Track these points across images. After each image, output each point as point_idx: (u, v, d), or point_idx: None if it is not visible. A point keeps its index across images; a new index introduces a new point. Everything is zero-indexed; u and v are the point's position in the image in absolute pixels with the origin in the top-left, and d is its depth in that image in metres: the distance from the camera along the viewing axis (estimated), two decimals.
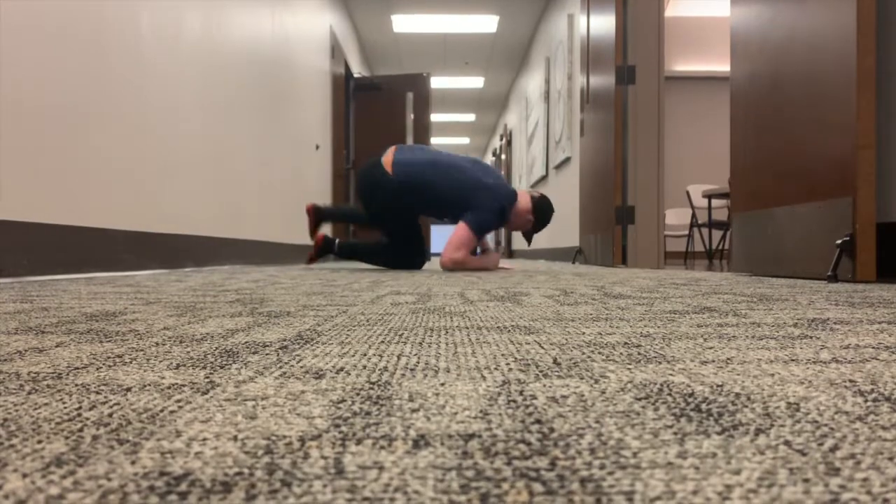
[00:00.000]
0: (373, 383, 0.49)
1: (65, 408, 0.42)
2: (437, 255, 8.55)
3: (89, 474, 0.30)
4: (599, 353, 0.64)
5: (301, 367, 0.56)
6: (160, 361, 0.59)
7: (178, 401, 0.44)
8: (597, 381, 0.50)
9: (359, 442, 0.35)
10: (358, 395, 0.46)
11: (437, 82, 11.92)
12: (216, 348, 0.67)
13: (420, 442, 0.35)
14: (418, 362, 0.59)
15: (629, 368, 0.55)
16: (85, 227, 2.61)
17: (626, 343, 0.71)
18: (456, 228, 3.51)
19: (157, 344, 0.70)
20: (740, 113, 3.00)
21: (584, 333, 0.79)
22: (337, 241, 3.80)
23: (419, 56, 10.66)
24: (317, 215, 3.92)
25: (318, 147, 6.80)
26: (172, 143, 3.36)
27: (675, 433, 0.36)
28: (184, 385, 0.49)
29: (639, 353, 0.63)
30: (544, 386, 0.48)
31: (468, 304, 1.22)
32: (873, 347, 0.68)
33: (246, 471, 0.30)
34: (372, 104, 8.66)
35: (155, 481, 0.29)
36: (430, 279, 2.37)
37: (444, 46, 10.11)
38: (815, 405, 0.43)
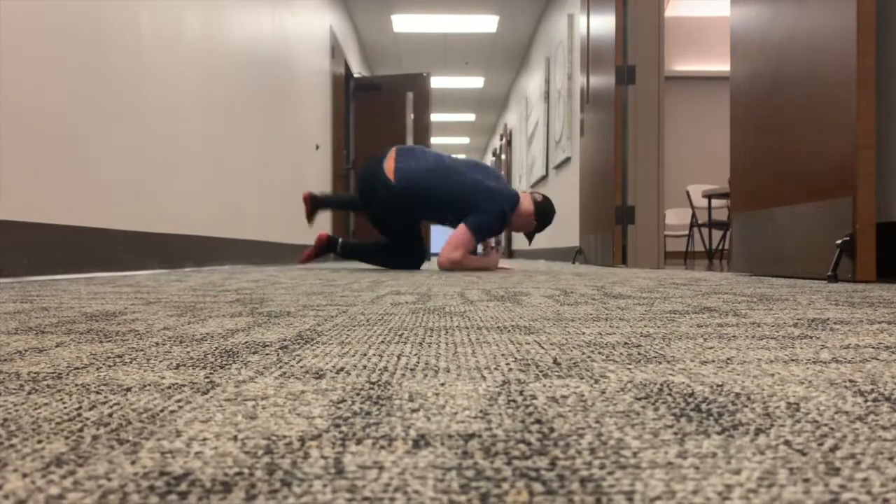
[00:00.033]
0: (373, 383, 0.49)
1: (65, 408, 0.42)
2: (437, 254, 8.55)
3: (89, 474, 0.30)
4: (599, 353, 0.64)
5: (301, 367, 0.56)
6: (160, 361, 0.59)
7: (178, 401, 0.44)
8: (597, 381, 0.50)
9: (359, 442, 0.35)
10: (358, 395, 0.46)
11: (437, 82, 11.92)
12: (216, 348, 0.67)
13: (420, 442, 0.35)
14: (418, 362, 0.59)
15: (629, 368, 0.55)
16: (85, 227, 2.61)
17: (626, 343, 0.71)
18: (456, 230, 3.51)
19: (157, 344, 0.70)
20: (740, 113, 3.00)
21: (584, 333, 0.79)
22: (340, 240, 3.79)
23: (419, 56, 10.66)
24: (313, 203, 3.91)
25: (318, 147, 6.80)
26: (172, 143, 3.36)
27: (675, 433, 0.36)
28: (184, 385, 0.49)
29: (639, 353, 0.63)
30: (544, 386, 0.48)
31: (468, 304, 1.22)
32: (873, 347, 0.68)
33: (246, 471, 0.30)
34: (372, 104, 8.66)
35: (155, 481, 0.29)
36: (429, 279, 2.37)
37: (444, 46, 10.11)
38: (815, 405, 0.43)
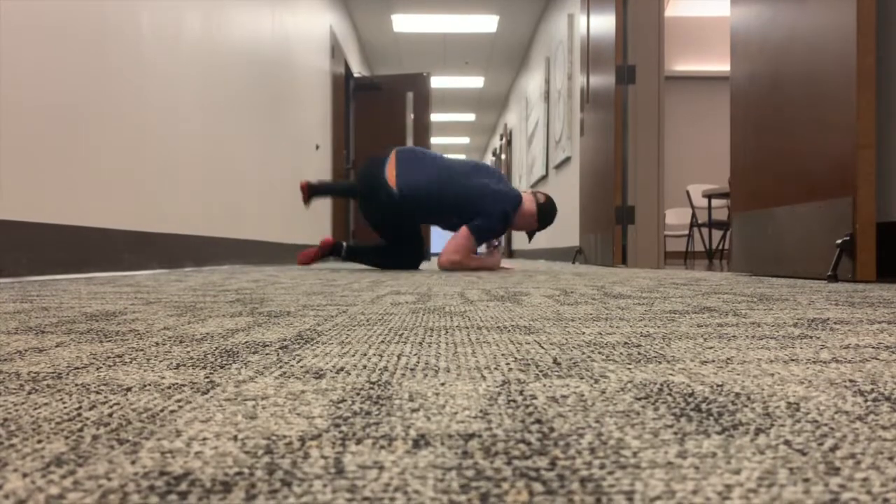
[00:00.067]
0: (373, 383, 0.49)
1: (65, 408, 0.42)
2: (437, 254, 8.55)
3: (89, 474, 0.30)
4: (599, 352, 0.64)
5: (301, 366, 0.56)
6: (160, 361, 0.59)
7: (179, 401, 0.44)
8: (597, 381, 0.50)
9: (359, 442, 0.35)
10: (358, 394, 0.46)
11: (437, 82, 11.92)
12: (216, 348, 0.67)
13: (420, 442, 0.35)
14: (418, 362, 0.59)
15: (629, 368, 0.55)
16: (85, 227, 2.61)
17: (626, 343, 0.71)
18: (458, 232, 3.51)
19: (157, 344, 0.70)
20: (740, 113, 3.00)
21: (584, 333, 0.79)
22: (344, 245, 3.76)
23: (419, 56, 10.66)
24: (310, 191, 3.88)
25: (318, 147, 6.80)
26: (172, 143, 3.36)
27: (675, 433, 0.36)
28: (184, 385, 0.49)
29: (639, 353, 0.63)
30: (544, 386, 0.48)
31: (468, 304, 1.22)
32: (873, 347, 0.68)
33: (246, 470, 0.30)
34: (372, 104, 8.66)
35: (155, 481, 0.29)
36: (429, 279, 2.37)
37: (444, 46, 10.11)
38: (815, 405, 0.43)
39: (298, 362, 0.58)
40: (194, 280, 2.19)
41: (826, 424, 0.38)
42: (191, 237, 3.57)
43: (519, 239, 12.08)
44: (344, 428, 0.37)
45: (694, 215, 6.25)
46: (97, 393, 0.46)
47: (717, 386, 0.48)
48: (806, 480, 0.29)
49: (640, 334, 0.78)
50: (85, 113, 2.61)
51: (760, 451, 0.33)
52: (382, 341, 0.72)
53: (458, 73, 11.57)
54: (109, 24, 2.78)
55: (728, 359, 0.60)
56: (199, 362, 0.59)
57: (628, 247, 4.80)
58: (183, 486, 0.28)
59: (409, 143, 8.52)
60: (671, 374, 0.53)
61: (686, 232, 7.09)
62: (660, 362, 0.58)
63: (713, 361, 0.59)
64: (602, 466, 0.31)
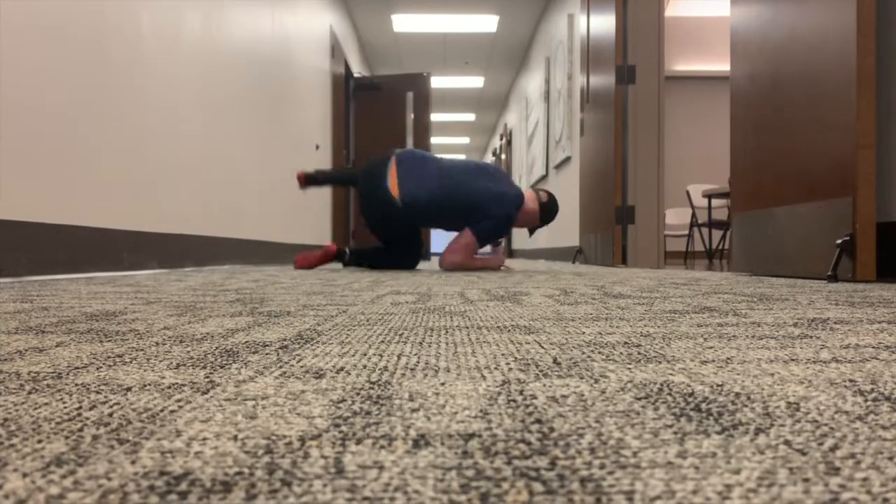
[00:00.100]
0: (373, 383, 0.49)
1: (65, 407, 0.42)
2: (437, 254, 8.54)
3: (89, 474, 0.30)
4: (599, 352, 0.64)
5: (301, 366, 0.56)
6: (160, 361, 0.59)
7: (179, 400, 0.44)
8: (597, 381, 0.50)
9: (359, 441, 0.35)
10: (358, 394, 0.46)
11: (437, 82, 11.92)
12: (216, 348, 0.67)
13: (420, 441, 0.35)
14: (418, 362, 0.59)
15: (629, 368, 0.55)
16: (85, 226, 2.61)
17: (626, 343, 0.71)
18: (461, 234, 3.51)
19: (157, 344, 0.70)
20: (740, 113, 3.00)
21: (584, 333, 0.79)
22: (347, 253, 3.73)
23: (419, 56, 10.66)
24: (307, 181, 3.85)
25: (318, 147, 6.80)
26: (172, 143, 3.36)
27: (675, 433, 0.36)
28: (184, 385, 0.49)
29: (639, 353, 0.63)
30: (544, 385, 0.48)
31: (468, 304, 1.22)
32: (873, 347, 0.68)
33: (246, 470, 0.30)
34: (372, 104, 8.66)
35: (155, 481, 0.29)
36: (429, 279, 2.37)
37: (444, 46, 10.11)
38: (815, 405, 0.43)
39: (298, 362, 0.58)
40: (194, 280, 2.19)
41: (826, 424, 0.38)
42: (191, 237, 3.57)
43: (519, 239, 12.08)
44: (344, 428, 0.37)
45: (694, 215, 6.25)
46: (97, 393, 0.46)
47: (717, 386, 0.48)
48: (806, 480, 0.29)
49: (640, 334, 0.78)
50: (85, 113, 2.61)
51: (760, 450, 0.33)
52: (382, 341, 0.72)
53: (458, 73, 11.57)
54: (109, 24, 2.78)
55: (728, 359, 0.60)
56: (199, 362, 0.59)
57: (628, 247, 4.80)
58: (183, 486, 0.28)
59: (409, 142, 8.52)
60: (671, 374, 0.53)
61: (686, 232, 7.09)
62: (660, 362, 0.58)
63: (713, 361, 0.59)
64: (602, 466, 0.31)
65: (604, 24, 5.13)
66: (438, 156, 3.70)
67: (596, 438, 0.35)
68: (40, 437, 0.35)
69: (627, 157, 4.81)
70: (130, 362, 0.59)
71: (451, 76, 11.73)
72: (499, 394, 0.46)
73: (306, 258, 3.60)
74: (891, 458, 0.32)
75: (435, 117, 14.74)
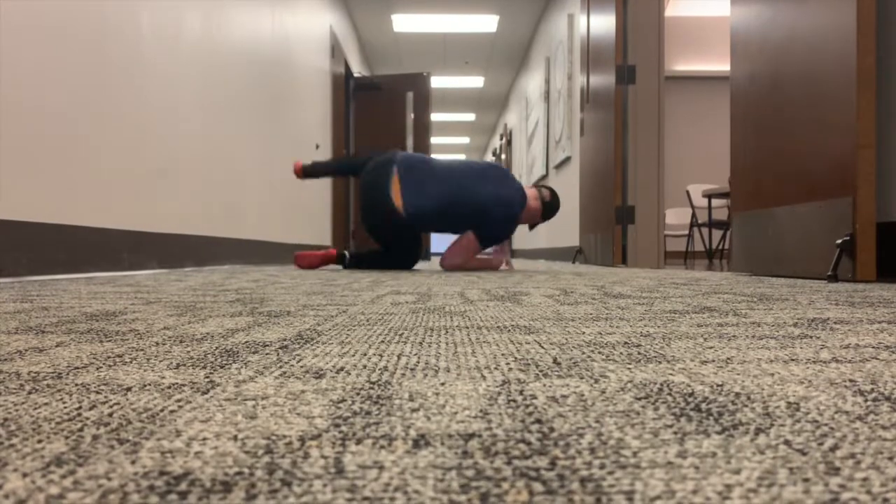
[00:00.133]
0: (373, 383, 0.49)
1: (65, 407, 0.42)
2: (438, 254, 8.54)
3: (89, 474, 0.30)
4: (599, 352, 0.64)
5: (301, 366, 0.56)
6: (160, 361, 0.59)
7: (178, 400, 0.44)
8: (597, 381, 0.50)
9: (359, 442, 0.35)
10: (358, 394, 0.46)
11: (437, 82, 11.91)
12: (216, 348, 0.67)
13: (420, 441, 0.35)
14: (418, 362, 0.59)
15: (629, 368, 0.55)
16: (85, 226, 2.61)
17: (626, 343, 0.71)
18: (462, 235, 3.50)
19: (157, 344, 0.70)
20: (740, 113, 3.00)
21: (584, 333, 0.79)
22: (348, 256, 3.71)
23: (419, 56, 10.66)
24: (304, 174, 3.83)
25: (318, 147, 6.80)
26: (172, 143, 3.36)
27: (675, 433, 0.36)
28: (184, 385, 0.49)
29: (639, 353, 0.63)
30: (544, 385, 0.48)
31: (468, 304, 1.22)
32: (873, 347, 0.68)
33: (246, 470, 0.30)
34: (372, 104, 8.66)
35: (155, 481, 0.29)
36: (429, 279, 2.37)
37: (444, 46, 10.11)
38: (815, 405, 0.43)
39: (298, 362, 0.58)
40: (194, 280, 2.19)
41: (826, 424, 0.38)
42: (191, 237, 3.57)
43: (519, 239, 12.08)
44: (344, 428, 0.37)
45: (694, 215, 6.25)
46: (97, 393, 0.46)
47: (717, 386, 0.48)
48: (806, 480, 0.29)
49: (640, 334, 0.78)
50: (85, 113, 2.61)
51: (760, 450, 0.33)
52: (382, 341, 0.72)
53: (458, 72, 11.56)
54: (109, 24, 2.78)
55: (728, 359, 0.60)
56: (199, 362, 0.59)
57: (628, 247, 4.80)
58: (183, 486, 0.28)
59: (409, 142, 8.52)
60: (671, 374, 0.53)
61: (686, 232, 7.09)
62: (660, 362, 0.58)
63: (713, 361, 0.59)
64: (602, 466, 0.31)
65: (604, 24, 5.13)
66: (438, 157, 3.69)
67: (596, 438, 0.35)
68: (40, 437, 0.35)
69: (627, 157, 4.81)
70: (130, 362, 0.59)
71: (451, 76, 11.74)
72: (499, 394, 0.46)
73: (307, 257, 3.59)
74: (891, 458, 0.32)
75: (435, 117, 14.74)
